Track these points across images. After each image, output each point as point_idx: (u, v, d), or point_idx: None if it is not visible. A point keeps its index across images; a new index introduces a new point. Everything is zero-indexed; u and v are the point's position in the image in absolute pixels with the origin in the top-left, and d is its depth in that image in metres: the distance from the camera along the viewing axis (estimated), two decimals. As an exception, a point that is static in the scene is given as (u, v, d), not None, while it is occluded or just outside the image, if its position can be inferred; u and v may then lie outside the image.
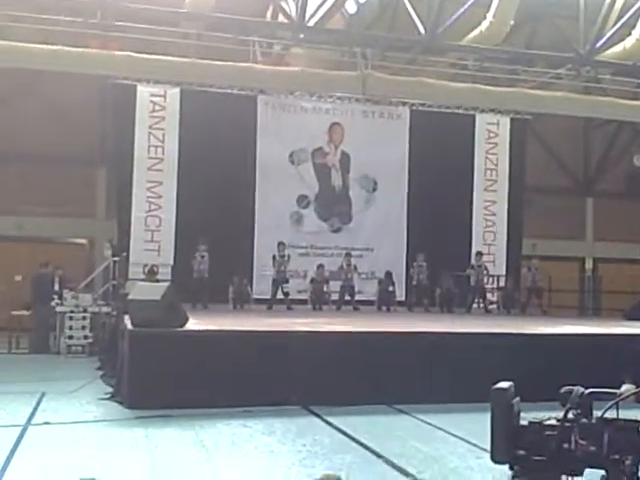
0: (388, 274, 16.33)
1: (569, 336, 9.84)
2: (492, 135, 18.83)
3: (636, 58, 17.02)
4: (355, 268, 16.34)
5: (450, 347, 8.66)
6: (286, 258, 15.84)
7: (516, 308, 16.91)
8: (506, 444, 2.83)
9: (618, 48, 16.85)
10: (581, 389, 2.90)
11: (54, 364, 12.09)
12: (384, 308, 15.96)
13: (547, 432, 2.83)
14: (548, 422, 2.86)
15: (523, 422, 2.89)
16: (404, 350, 8.52)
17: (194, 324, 8.76)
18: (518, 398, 2.95)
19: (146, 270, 15.17)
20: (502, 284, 17.55)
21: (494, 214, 18.74)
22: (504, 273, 18.00)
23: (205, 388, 7.74)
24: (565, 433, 2.82)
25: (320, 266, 16.05)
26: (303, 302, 15.77)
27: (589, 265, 21.50)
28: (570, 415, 2.87)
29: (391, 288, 16.22)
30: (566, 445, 2.82)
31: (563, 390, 2.93)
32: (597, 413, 2.90)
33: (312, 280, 15.95)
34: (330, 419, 7.38)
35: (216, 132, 16.32)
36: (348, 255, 16.40)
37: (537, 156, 20.00)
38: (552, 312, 16.93)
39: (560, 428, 2.84)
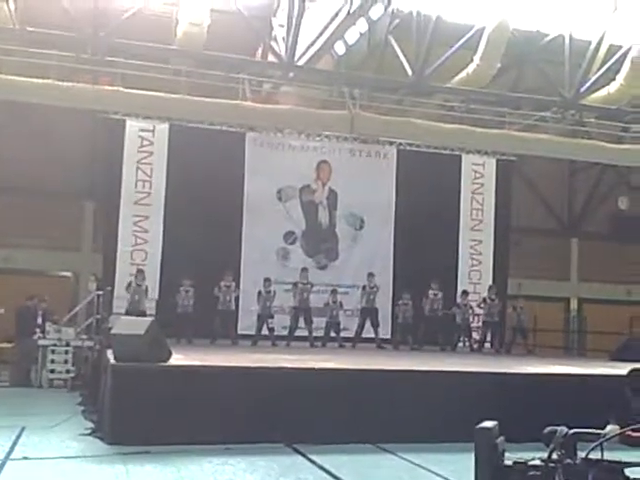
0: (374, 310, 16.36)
1: (554, 376, 9.83)
2: (478, 176, 19.02)
3: (620, 102, 17.33)
4: (341, 305, 16.32)
5: (435, 385, 8.61)
6: (272, 294, 15.80)
7: (501, 347, 16.90)
8: (491, 484, 2.80)
9: (602, 92, 17.15)
10: (565, 429, 2.89)
11: (35, 398, 11.92)
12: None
13: (531, 472, 2.82)
14: (532, 462, 2.84)
15: (507, 462, 2.87)
16: (389, 388, 8.46)
17: (178, 359, 8.69)
18: (502, 438, 2.93)
19: (135, 272, 15.27)
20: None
21: (480, 253, 18.84)
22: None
23: (187, 424, 7.64)
24: (549, 474, 2.81)
25: (304, 269, 16.16)
26: (288, 338, 15.66)
27: (574, 305, 21.57)
28: (554, 455, 2.85)
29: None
30: (551, 486, 2.80)
31: (547, 430, 2.92)
32: (581, 454, 2.89)
33: (295, 284, 15.91)
34: (314, 458, 7.29)
35: (204, 168, 16.39)
36: (334, 292, 16.39)
37: (522, 197, 20.18)
38: (537, 352, 16.94)
39: (544, 469, 2.82)
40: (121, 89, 14.77)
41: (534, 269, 20.06)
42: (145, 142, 16.73)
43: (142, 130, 16.71)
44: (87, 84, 14.64)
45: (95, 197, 17.86)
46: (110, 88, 14.79)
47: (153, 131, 16.77)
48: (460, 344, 17.08)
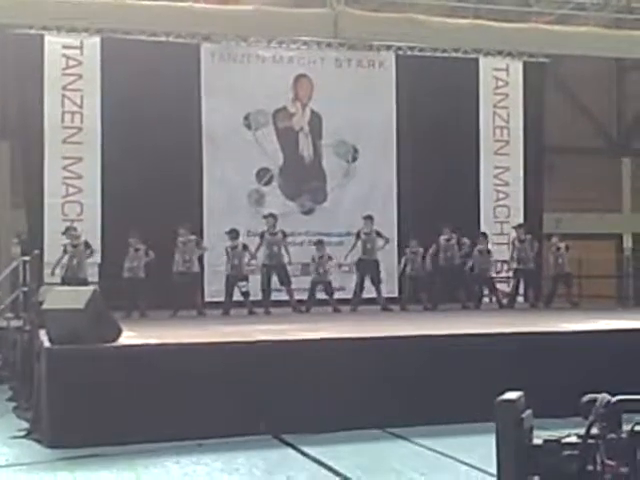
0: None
1: (597, 333, 9.98)
2: (501, 84, 19.01)
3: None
4: (329, 258, 16.37)
5: (456, 354, 8.75)
6: (239, 249, 15.77)
7: (539, 300, 17.12)
8: (516, 469, 2.90)
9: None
10: (607, 397, 2.97)
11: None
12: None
13: (566, 452, 2.90)
14: (567, 440, 2.93)
15: (537, 441, 2.96)
16: (398, 360, 8.58)
17: (129, 337, 8.78)
18: (530, 411, 3.02)
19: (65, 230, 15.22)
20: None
21: (507, 184, 18.96)
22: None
23: (147, 418, 7.77)
24: (589, 452, 2.89)
25: (270, 215, 16.03)
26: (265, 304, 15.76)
27: (628, 243, 21.72)
28: (594, 430, 2.94)
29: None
30: (590, 467, 2.89)
31: (585, 399, 3.00)
32: (627, 427, 2.97)
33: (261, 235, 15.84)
34: (307, 450, 7.44)
35: (149, 92, 16.33)
36: (320, 243, 16.43)
37: (559, 109, 20.15)
38: (584, 304, 17.15)
39: (582, 446, 2.90)
40: (35, -5, 14.60)
41: (575, 200, 20.13)
42: (71, 62, 16.61)
43: (66, 47, 16.58)
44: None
45: (10, 135, 17.72)
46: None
47: (81, 48, 16.64)
48: (486, 299, 17.30)
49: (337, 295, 16.43)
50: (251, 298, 15.69)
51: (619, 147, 21.95)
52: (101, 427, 7.65)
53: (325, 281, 16.16)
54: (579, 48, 17.39)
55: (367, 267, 16.26)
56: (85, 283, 14.12)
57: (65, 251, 15.02)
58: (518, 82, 19.11)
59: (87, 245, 15.12)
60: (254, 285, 15.92)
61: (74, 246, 15.01)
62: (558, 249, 17.28)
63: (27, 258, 14.33)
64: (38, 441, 8.00)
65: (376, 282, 16.25)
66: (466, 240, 16.60)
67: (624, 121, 22.14)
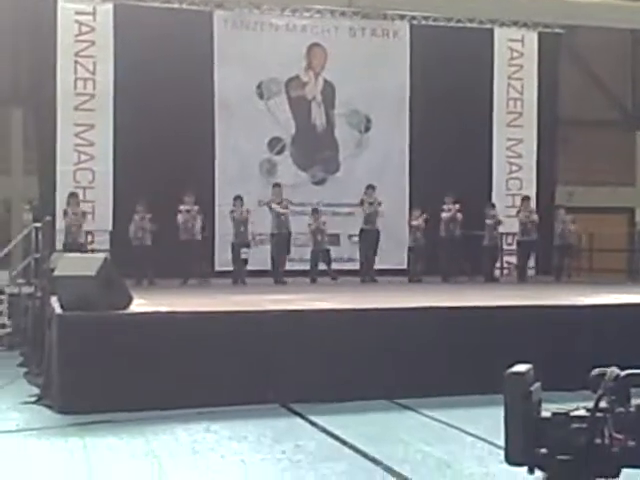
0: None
1: (609, 307, 9.97)
2: (516, 55, 18.88)
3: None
4: (323, 224, 16.34)
5: (463, 326, 8.77)
6: (243, 214, 15.78)
7: (547, 273, 17.11)
8: (524, 441, 2.90)
9: None
10: (616, 371, 2.96)
11: (-36, 361, 12.13)
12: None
13: (575, 425, 2.90)
14: (576, 413, 2.93)
15: (545, 413, 2.97)
16: (407, 331, 8.62)
17: (140, 305, 8.82)
18: (539, 384, 3.02)
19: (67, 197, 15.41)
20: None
21: (520, 156, 18.87)
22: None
23: (157, 385, 7.83)
24: (597, 425, 2.89)
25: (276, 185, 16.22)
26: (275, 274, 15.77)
27: (641, 217, 21.68)
28: (603, 403, 2.94)
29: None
30: (598, 440, 2.89)
31: (594, 373, 3.00)
32: (636, 401, 2.98)
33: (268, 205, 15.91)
34: (315, 419, 7.50)
35: (161, 59, 16.25)
36: (315, 212, 16.44)
37: (573, 81, 20.01)
38: (595, 277, 17.15)
39: (591, 419, 2.90)
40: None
41: (588, 173, 20.07)
42: (84, 28, 16.54)
43: (79, 13, 16.51)
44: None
45: (23, 102, 17.72)
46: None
47: (93, 14, 16.57)
48: (497, 272, 17.30)
49: (347, 266, 16.48)
50: (260, 267, 15.74)
51: (634, 119, 21.80)
52: (111, 393, 7.72)
53: (322, 249, 16.17)
54: (594, 19, 17.30)
55: (369, 237, 16.27)
56: (83, 249, 14.30)
57: (66, 213, 15.17)
58: (533, 53, 18.98)
59: (83, 214, 15.26)
60: (262, 255, 15.98)
61: (74, 214, 15.12)
62: (564, 222, 17.28)
63: (39, 225, 14.42)
64: (49, 407, 8.07)
65: (374, 253, 16.24)
66: (459, 214, 16.46)
67: (639, 93, 21.98)
